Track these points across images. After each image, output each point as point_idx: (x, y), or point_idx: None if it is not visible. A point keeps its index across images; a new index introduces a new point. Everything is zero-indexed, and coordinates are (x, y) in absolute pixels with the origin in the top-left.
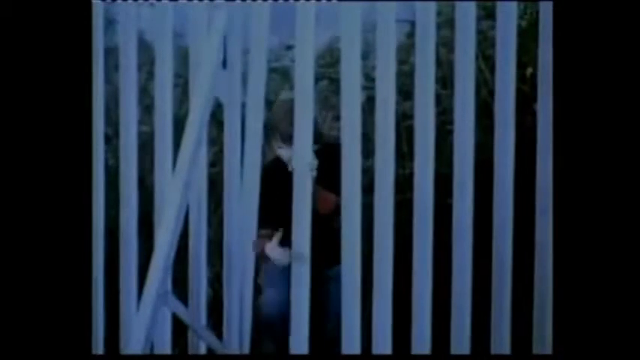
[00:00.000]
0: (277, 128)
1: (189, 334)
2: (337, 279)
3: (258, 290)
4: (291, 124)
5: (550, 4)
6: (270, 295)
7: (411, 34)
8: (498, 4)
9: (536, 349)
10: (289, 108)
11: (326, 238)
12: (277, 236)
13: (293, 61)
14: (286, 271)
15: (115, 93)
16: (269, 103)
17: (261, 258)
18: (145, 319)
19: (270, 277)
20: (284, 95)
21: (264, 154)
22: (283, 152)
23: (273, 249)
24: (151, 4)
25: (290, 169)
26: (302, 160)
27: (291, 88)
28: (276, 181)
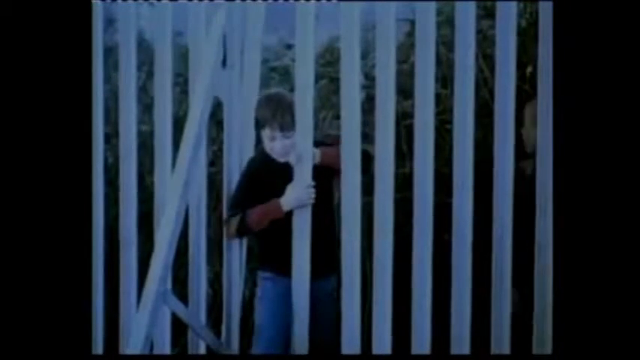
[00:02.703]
0: (275, 118)
1: (189, 333)
2: (330, 293)
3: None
4: (286, 113)
5: (550, 4)
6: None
7: (410, 34)
8: (498, 3)
9: (536, 349)
10: (280, 98)
11: (321, 246)
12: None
13: (293, 60)
14: (281, 301)
15: (114, 92)
16: None
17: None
18: (144, 318)
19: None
20: (265, 92)
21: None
22: (278, 144)
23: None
24: (151, 4)
25: (292, 162)
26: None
27: (291, 87)
28: (260, 175)
